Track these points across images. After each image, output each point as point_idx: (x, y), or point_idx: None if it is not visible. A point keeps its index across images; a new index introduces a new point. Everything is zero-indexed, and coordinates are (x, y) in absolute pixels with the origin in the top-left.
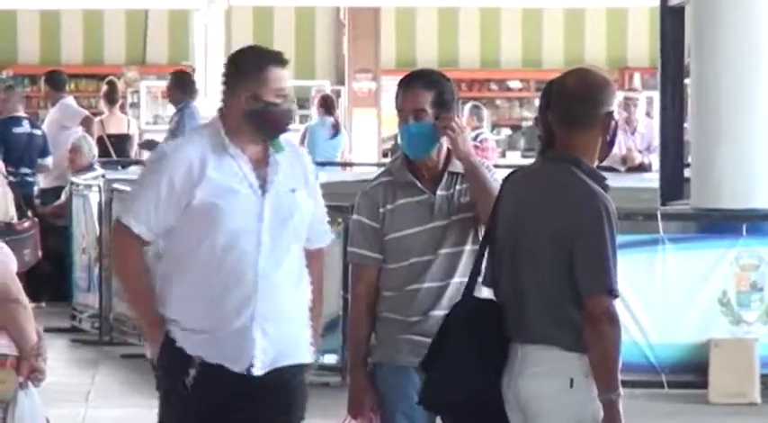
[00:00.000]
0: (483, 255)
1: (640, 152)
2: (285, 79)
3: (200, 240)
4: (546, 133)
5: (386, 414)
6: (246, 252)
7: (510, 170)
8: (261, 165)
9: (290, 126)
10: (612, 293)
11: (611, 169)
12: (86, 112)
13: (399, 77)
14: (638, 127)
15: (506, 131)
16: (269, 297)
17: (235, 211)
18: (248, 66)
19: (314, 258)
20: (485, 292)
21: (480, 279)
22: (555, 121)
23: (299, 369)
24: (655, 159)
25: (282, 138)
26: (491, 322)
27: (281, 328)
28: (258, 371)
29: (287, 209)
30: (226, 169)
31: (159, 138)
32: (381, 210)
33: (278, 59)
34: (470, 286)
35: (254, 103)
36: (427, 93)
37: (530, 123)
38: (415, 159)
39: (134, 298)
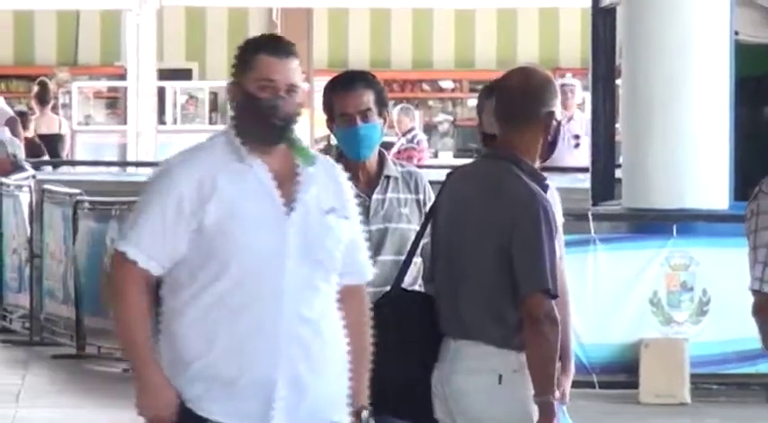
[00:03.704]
0: (416, 249)
1: (577, 137)
2: (277, 69)
3: (213, 269)
4: (483, 133)
5: None
6: (269, 283)
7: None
8: (287, 179)
9: (283, 124)
10: (548, 293)
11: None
12: (12, 113)
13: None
14: (575, 115)
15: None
16: (298, 340)
17: (254, 233)
18: (239, 54)
19: (352, 297)
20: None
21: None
22: (497, 118)
23: None
24: (585, 158)
25: (311, 148)
26: (421, 315)
27: (314, 379)
28: None
29: (317, 234)
30: (242, 183)
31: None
32: None
33: (269, 46)
34: (400, 277)
35: (235, 95)
36: (369, 92)
37: (445, 125)
38: (361, 161)
39: (130, 347)
